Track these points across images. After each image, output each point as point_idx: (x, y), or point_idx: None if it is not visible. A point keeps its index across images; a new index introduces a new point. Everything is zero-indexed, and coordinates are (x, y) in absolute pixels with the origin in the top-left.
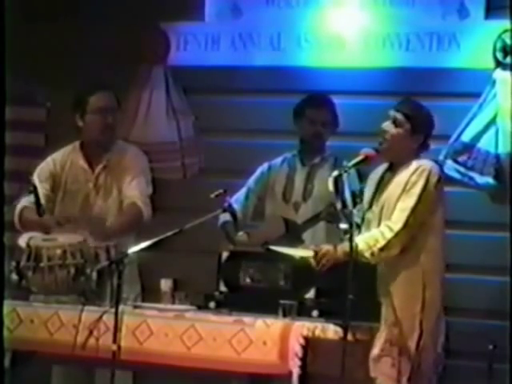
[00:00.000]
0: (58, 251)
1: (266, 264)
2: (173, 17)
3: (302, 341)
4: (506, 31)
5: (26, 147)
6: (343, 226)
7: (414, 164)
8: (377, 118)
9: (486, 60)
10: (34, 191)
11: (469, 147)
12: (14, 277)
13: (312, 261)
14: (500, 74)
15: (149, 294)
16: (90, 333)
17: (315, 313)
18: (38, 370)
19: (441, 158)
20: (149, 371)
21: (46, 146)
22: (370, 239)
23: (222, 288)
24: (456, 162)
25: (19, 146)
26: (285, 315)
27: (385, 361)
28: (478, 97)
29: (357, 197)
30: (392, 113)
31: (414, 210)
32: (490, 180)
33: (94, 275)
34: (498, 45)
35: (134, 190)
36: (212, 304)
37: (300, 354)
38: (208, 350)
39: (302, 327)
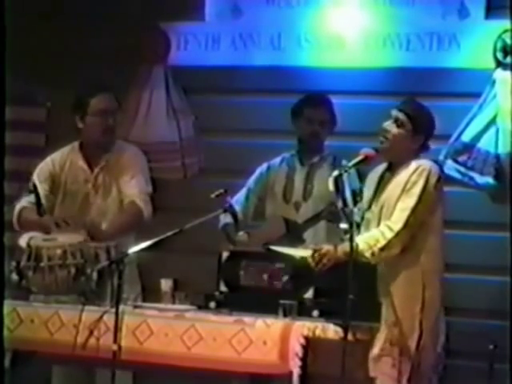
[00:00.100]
0: (59, 251)
1: (266, 264)
2: (173, 17)
3: (302, 341)
4: (506, 31)
5: (26, 147)
6: (343, 225)
7: (414, 164)
8: (377, 118)
9: (486, 60)
10: (35, 191)
11: (469, 147)
12: (14, 277)
13: (310, 260)
14: (500, 74)
15: (149, 293)
16: (91, 333)
17: (315, 313)
18: (38, 369)
19: (441, 157)
20: (149, 371)
21: (46, 146)
22: (371, 239)
23: (222, 288)
24: (456, 161)
25: (19, 146)
26: (285, 315)
27: (385, 361)
28: (478, 97)
29: (357, 195)
30: (394, 112)
31: (414, 209)
32: (490, 180)
33: (94, 275)
34: (498, 45)
35: (134, 189)
36: (212, 304)
37: (300, 353)
38: (208, 350)
39: (303, 327)
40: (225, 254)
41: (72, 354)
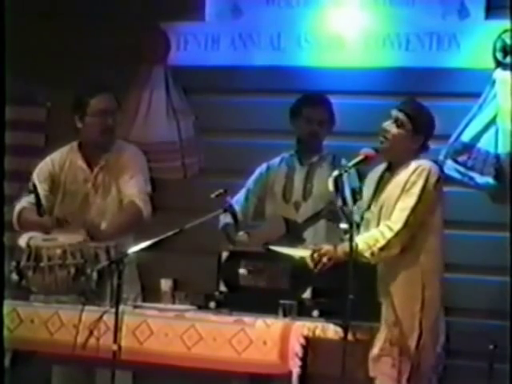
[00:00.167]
0: (58, 251)
1: (266, 264)
2: (173, 17)
3: (302, 341)
4: (506, 31)
5: (26, 147)
6: (343, 225)
7: (413, 164)
8: (377, 118)
9: (486, 60)
10: (35, 191)
11: (469, 147)
12: (14, 277)
13: (309, 260)
14: (500, 74)
15: (149, 293)
16: (91, 333)
17: (315, 313)
18: (38, 369)
19: (441, 158)
20: (149, 371)
21: (46, 146)
22: (370, 239)
23: (222, 288)
24: (456, 161)
25: (19, 146)
26: (285, 315)
27: (385, 360)
28: (478, 97)
29: (357, 194)
30: (394, 112)
31: (413, 209)
32: (490, 180)
33: (94, 275)
34: (498, 45)
35: (133, 189)
36: (212, 304)
37: (300, 353)
38: (208, 350)
39: (303, 327)
40: (224, 254)
41: (72, 354)
